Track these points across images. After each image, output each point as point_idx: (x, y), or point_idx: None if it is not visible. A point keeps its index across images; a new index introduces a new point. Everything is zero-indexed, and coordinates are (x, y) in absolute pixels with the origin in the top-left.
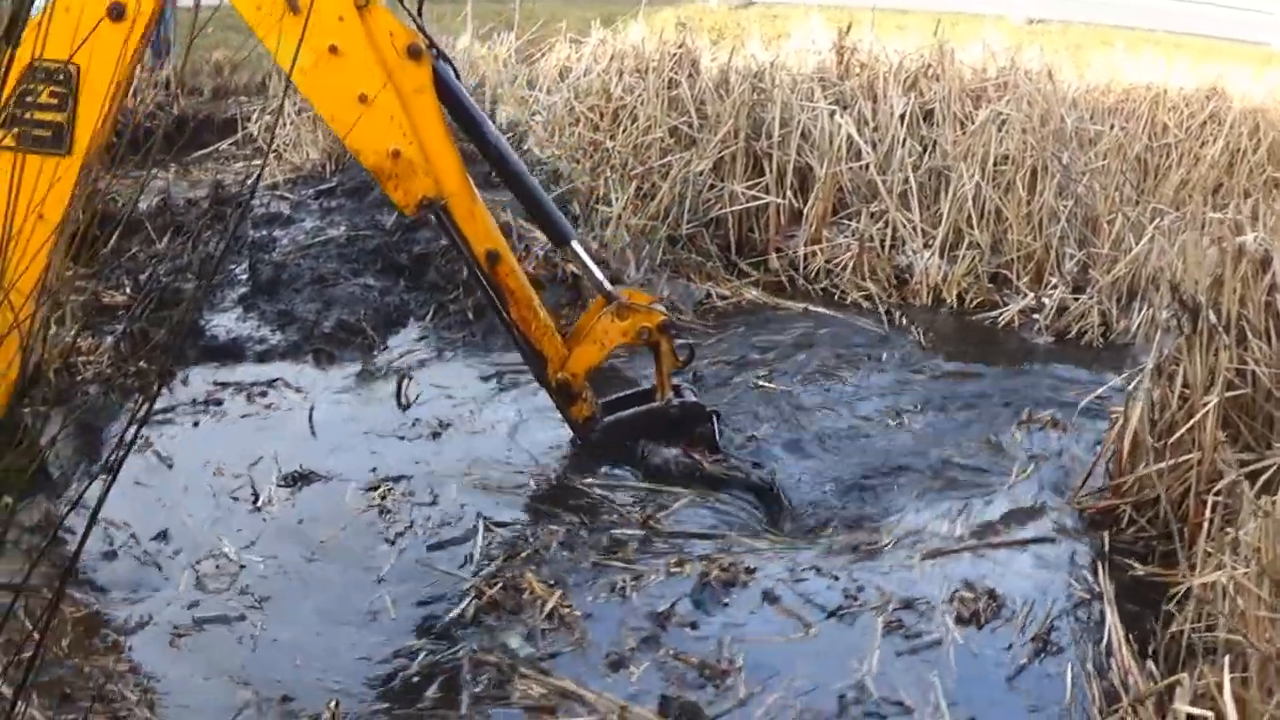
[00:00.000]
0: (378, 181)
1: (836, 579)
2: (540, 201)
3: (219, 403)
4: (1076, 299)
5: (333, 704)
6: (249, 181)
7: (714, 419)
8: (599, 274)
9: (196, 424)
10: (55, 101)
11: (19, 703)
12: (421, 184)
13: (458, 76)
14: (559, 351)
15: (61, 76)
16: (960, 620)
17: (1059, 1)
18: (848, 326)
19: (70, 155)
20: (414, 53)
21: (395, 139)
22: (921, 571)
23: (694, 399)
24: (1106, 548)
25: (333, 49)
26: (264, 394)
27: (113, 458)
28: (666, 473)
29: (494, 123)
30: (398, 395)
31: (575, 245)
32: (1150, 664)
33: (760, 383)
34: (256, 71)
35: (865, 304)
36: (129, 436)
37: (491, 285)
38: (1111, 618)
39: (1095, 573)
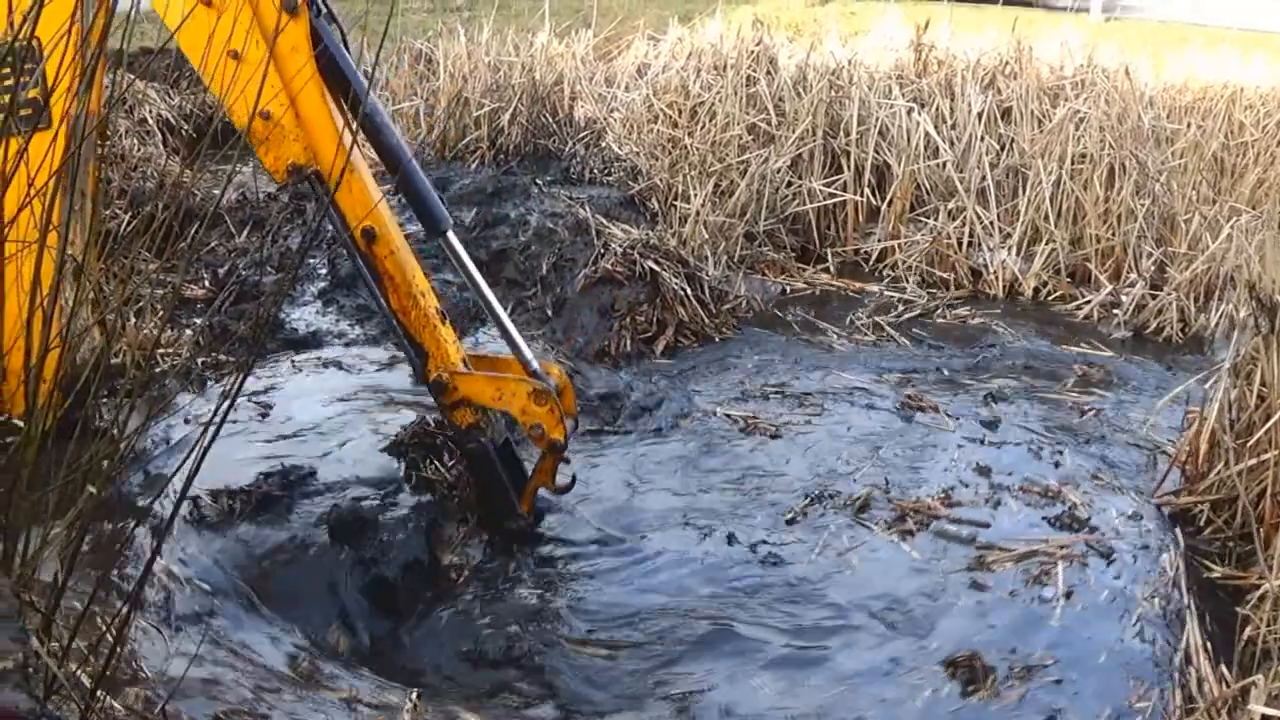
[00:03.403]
0: (250, 144)
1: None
2: (418, 185)
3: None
4: (1154, 296)
5: (414, 695)
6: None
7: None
8: (514, 330)
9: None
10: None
11: (98, 691)
12: (290, 149)
13: (345, 41)
14: (441, 348)
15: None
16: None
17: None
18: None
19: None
20: (289, 7)
21: (266, 99)
22: (1003, 569)
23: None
24: (1184, 547)
25: (206, 1)
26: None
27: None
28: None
29: (572, 120)
30: None
31: (450, 237)
32: (1223, 668)
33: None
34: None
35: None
36: (207, 439)
37: (369, 267)
38: (1191, 621)
39: (1173, 573)
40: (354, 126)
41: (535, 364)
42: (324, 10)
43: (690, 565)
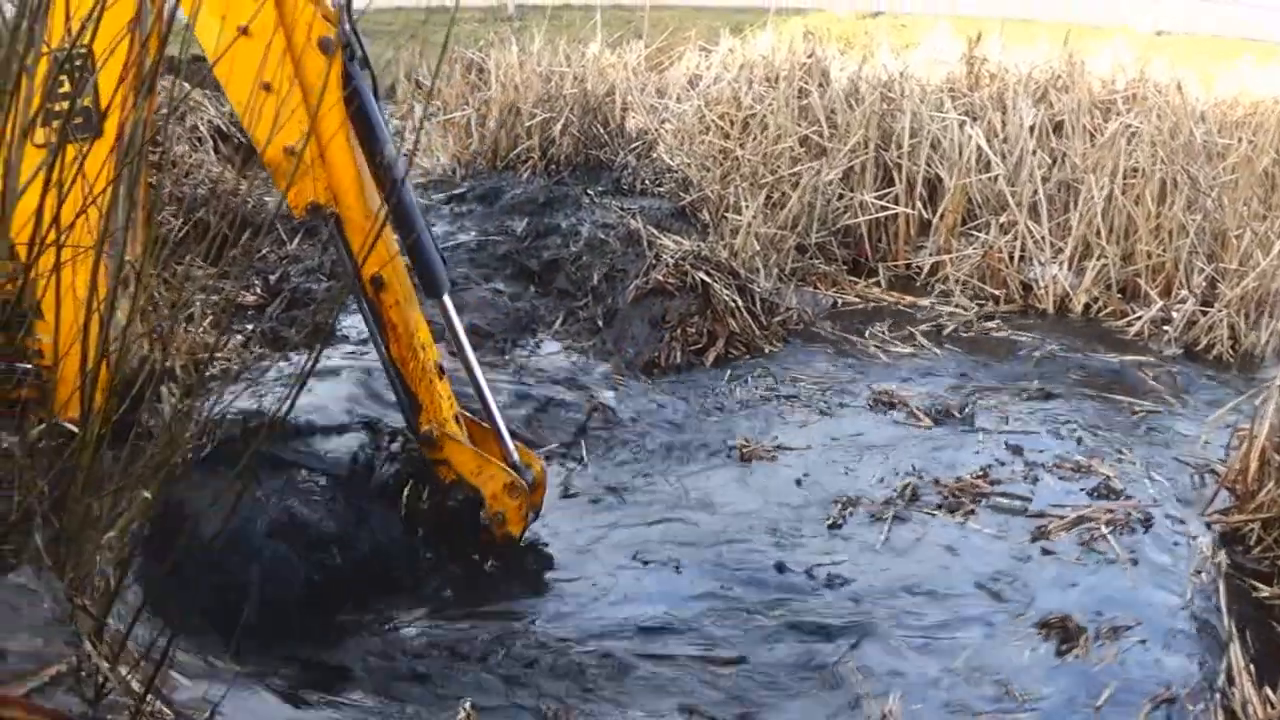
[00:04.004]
0: (271, 177)
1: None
2: (424, 244)
3: None
4: (1205, 312)
5: (467, 704)
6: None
7: None
8: (498, 415)
9: None
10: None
11: (148, 696)
12: (312, 188)
13: (375, 92)
14: (434, 403)
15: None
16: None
17: (1185, 13)
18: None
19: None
20: (324, 46)
21: (292, 135)
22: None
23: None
24: (1231, 567)
25: (244, 31)
26: None
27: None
28: None
29: (624, 131)
30: None
31: (446, 301)
32: (1268, 690)
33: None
34: (385, 75)
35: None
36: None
37: (373, 313)
38: (1234, 645)
39: (1219, 593)
40: (380, 175)
41: (515, 455)
42: (359, 54)
43: (797, 565)
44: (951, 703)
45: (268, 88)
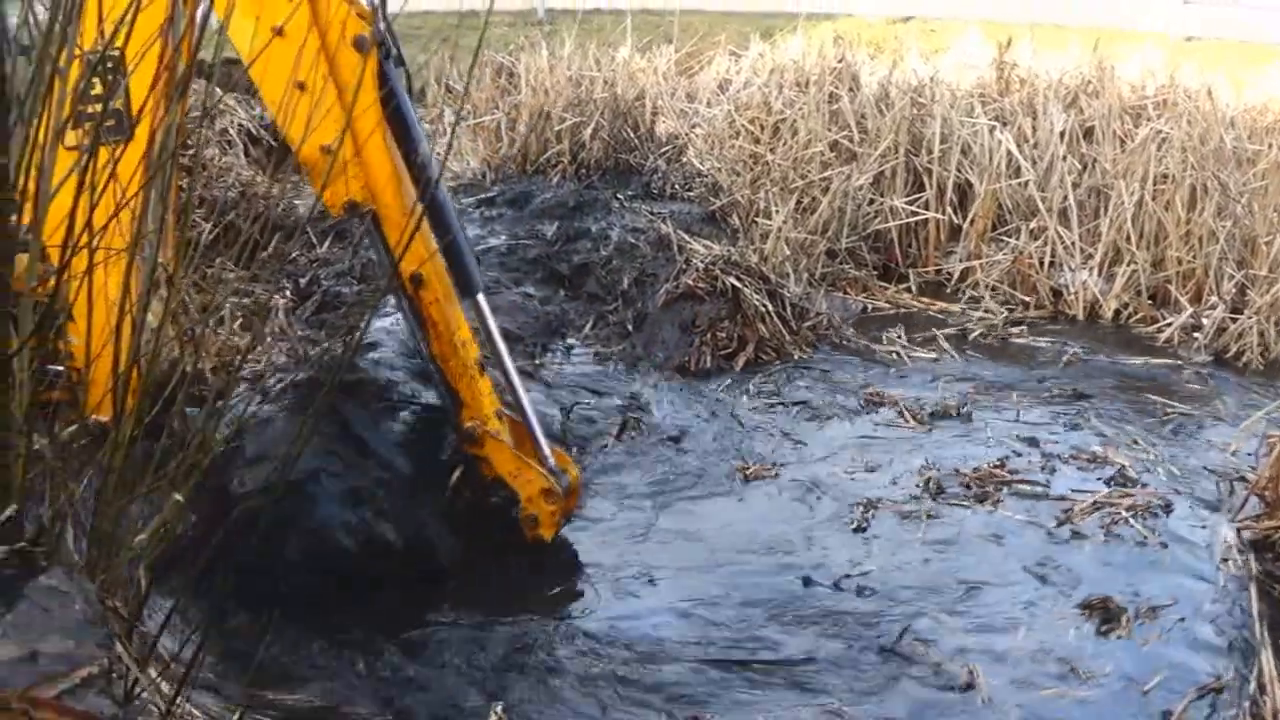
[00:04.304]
0: (308, 177)
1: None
2: (459, 243)
3: None
4: (1235, 319)
5: (499, 709)
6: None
7: None
8: (534, 418)
9: None
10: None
11: (177, 699)
12: (349, 186)
13: (410, 87)
14: (476, 400)
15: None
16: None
17: (1216, 19)
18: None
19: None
20: (359, 45)
21: (328, 133)
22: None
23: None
24: (1263, 575)
25: (279, 31)
26: None
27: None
28: None
29: (654, 135)
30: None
31: (480, 301)
32: None
33: None
34: (415, 79)
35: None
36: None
37: (413, 311)
38: (1265, 653)
39: (1249, 602)
40: (415, 174)
41: (551, 459)
42: (394, 53)
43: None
44: (1019, 679)
45: (302, 87)
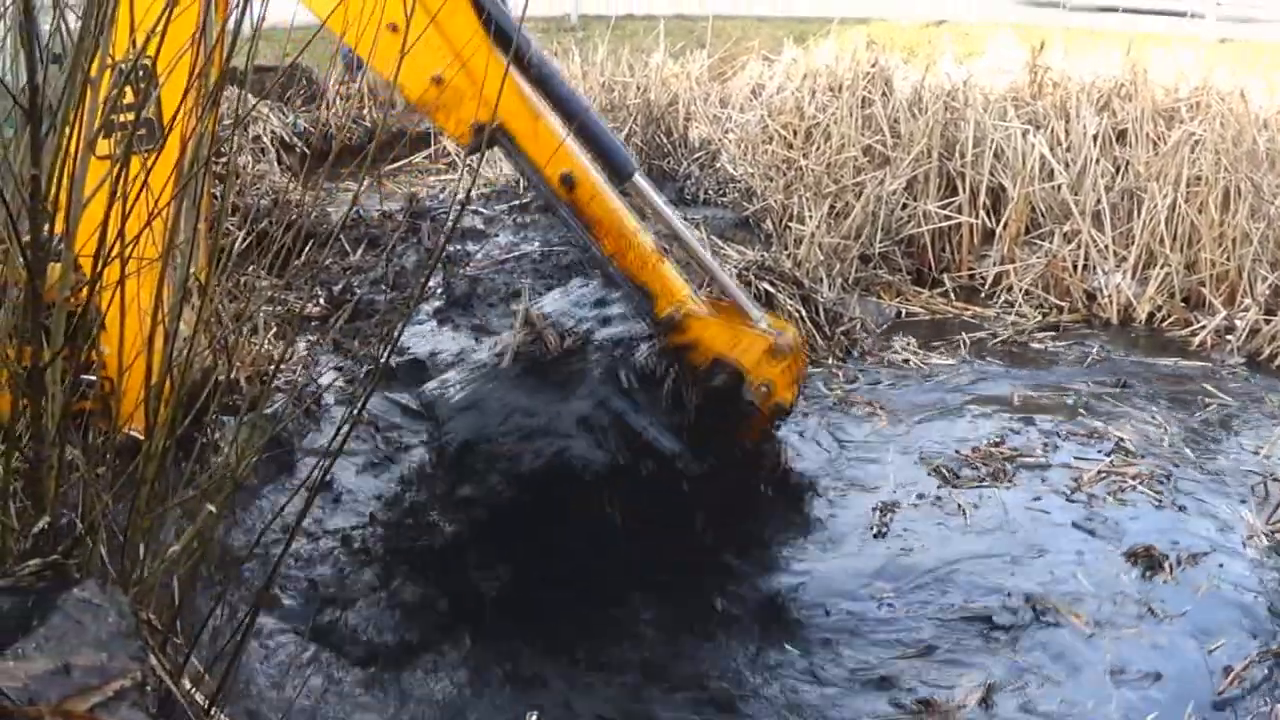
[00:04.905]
0: (427, 115)
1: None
2: (597, 132)
3: None
4: (1269, 321)
5: (533, 717)
6: (445, 196)
7: None
8: (730, 279)
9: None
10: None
11: (213, 709)
12: (470, 109)
13: None
14: (666, 285)
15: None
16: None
17: (1249, 21)
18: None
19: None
20: None
21: (436, 64)
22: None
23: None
24: None
25: None
26: None
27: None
28: None
29: (687, 141)
30: None
31: (638, 181)
32: None
33: None
34: None
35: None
36: (330, 456)
37: (574, 215)
38: None
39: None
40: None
41: (764, 320)
42: None
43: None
44: (1102, 620)
45: (394, 28)
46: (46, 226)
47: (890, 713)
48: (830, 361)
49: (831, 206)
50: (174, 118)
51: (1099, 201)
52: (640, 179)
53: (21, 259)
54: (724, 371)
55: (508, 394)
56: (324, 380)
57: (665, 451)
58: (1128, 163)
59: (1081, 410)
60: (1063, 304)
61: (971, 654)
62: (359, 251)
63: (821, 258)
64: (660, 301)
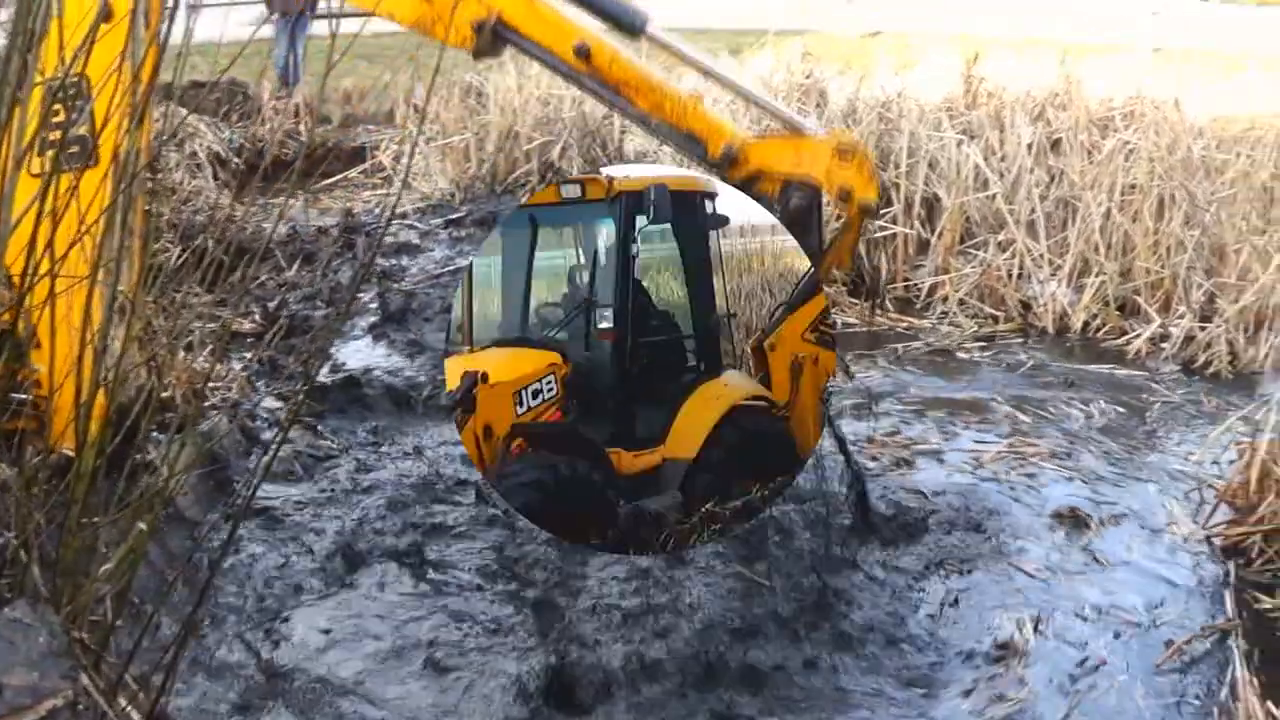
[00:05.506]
0: (426, 34)
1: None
2: None
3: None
4: (1204, 328)
5: None
6: (380, 211)
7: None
8: (771, 98)
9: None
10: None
11: None
12: (467, 9)
13: None
14: (712, 125)
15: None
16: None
17: (1184, 29)
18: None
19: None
20: None
21: None
22: (1048, 591)
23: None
24: (1234, 579)
25: None
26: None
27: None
28: None
29: (623, 153)
30: None
31: (650, 29)
32: (1270, 705)
33: None
34: (385, 100)
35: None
36: (263, 464)
37: (599, 83)
38: (1237, 656)
39: (1222, 605)
40: None
41: (818, 128)
42: None
43: None
44: (1052, 565)
45: None
46: None
47: None
48: None
49: None
50: (101, 132)
51: (1033, 211)
52: (654, 29)
53: None
54: (798, 190)
55: None
56: (257, 399)
57: None
58: (1062, 172)
59: (993, 406)
60: (998, 313)
61: None
62: (294, 267)
63: None
64: (711, 142)
